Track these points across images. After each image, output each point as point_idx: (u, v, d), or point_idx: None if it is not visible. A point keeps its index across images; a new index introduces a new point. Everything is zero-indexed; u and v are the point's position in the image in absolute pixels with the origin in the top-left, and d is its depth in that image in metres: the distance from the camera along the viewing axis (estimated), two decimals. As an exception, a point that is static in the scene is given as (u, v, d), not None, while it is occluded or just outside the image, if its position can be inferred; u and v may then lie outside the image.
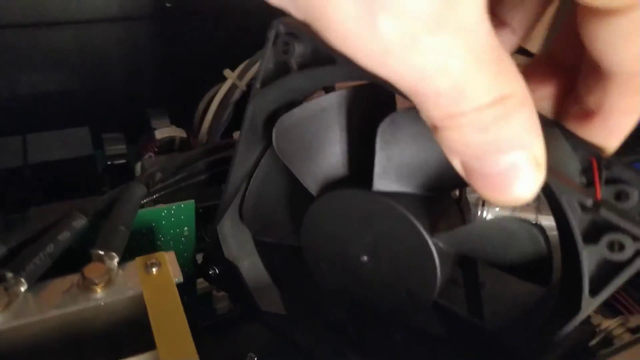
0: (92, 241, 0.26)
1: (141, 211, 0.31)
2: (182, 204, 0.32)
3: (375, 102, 0.26)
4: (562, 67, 0.23)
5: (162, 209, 0.32)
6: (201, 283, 0.37)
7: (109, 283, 0.26)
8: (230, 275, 0.33)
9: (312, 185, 0.28)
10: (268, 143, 0.30)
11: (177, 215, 0.32)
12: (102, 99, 0.52)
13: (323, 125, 0.27)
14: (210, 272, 0.33)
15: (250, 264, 0.34)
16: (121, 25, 0.49)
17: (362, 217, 0.27)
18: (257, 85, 0.27)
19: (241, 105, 0.45)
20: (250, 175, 0.31)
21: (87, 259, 0.26)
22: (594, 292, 0.22)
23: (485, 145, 0.17)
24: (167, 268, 0.27)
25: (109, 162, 0.46)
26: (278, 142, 0.28)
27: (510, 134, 0.17)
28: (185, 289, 0.36)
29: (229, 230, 0.33)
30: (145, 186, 0.30)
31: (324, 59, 0.24)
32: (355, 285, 0.29)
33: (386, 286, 0.28)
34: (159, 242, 0.33)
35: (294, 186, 0.29)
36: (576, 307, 0.22)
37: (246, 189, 0.31)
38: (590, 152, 0.22)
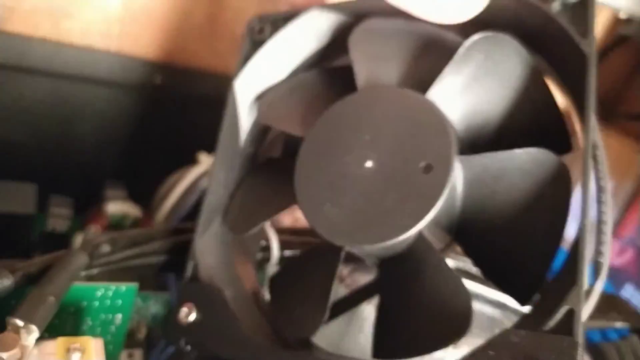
0: (12, 307, 0.22)
1: (73, 286, 0.27)
2: (124, 286, 0.28)
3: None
4: None
5: (99, 287, 0.28)
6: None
7: (18, 361, 0.22)
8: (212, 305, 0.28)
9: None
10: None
11: (114, 298, 0.28)
12: (61, 160, 0.48)
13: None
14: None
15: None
16: (103, 89, 0.47)
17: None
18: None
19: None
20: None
21: (1, 327, 0.22)
22: None
23: None
24: (91, 358, 0.23)
25: (51, 228, 0.42)
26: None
27: None
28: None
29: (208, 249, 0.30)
30: (89, 257, 0.26)
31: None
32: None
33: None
34: (84, 327, 0.28)
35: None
36: None
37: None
38: None
